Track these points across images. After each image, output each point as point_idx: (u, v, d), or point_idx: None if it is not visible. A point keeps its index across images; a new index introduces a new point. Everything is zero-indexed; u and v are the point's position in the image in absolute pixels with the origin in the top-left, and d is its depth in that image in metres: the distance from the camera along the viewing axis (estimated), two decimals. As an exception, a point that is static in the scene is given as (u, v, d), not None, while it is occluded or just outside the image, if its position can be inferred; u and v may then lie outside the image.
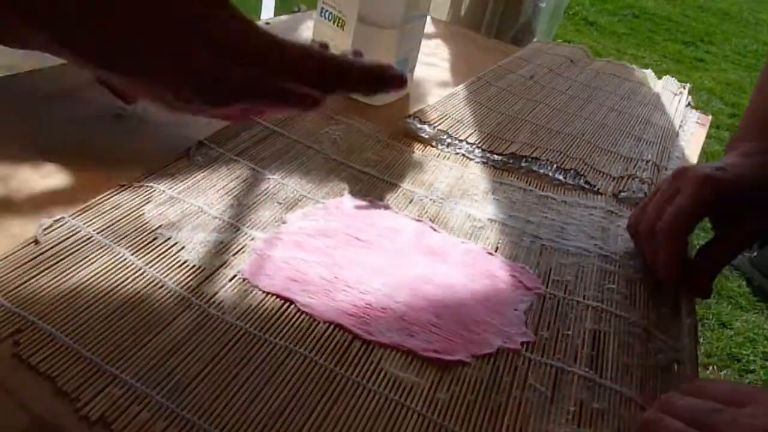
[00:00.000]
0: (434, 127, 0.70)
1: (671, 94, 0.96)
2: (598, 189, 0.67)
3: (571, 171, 0.68)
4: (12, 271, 0.41)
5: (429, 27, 1.05)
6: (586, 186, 0.67)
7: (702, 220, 0.51)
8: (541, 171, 0.68)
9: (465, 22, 1.30)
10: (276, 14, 2.28)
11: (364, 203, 0.57)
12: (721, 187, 0.50)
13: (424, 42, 0.79)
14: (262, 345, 0.41)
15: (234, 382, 0.38)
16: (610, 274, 0.54)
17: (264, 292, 0.45)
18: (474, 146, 0.69)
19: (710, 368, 1.71)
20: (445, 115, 0.74)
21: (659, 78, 1.02)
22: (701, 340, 1.78)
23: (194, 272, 0.45)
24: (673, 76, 1.03)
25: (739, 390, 0.37)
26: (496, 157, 0.68)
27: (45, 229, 0.45)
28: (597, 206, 0.63)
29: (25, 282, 0.41)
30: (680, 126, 0.86)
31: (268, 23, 0.91)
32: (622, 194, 0.66)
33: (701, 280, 0.51)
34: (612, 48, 4.15)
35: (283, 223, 0.52)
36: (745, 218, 0.51)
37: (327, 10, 0.85)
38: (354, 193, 0.58)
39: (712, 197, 0.50)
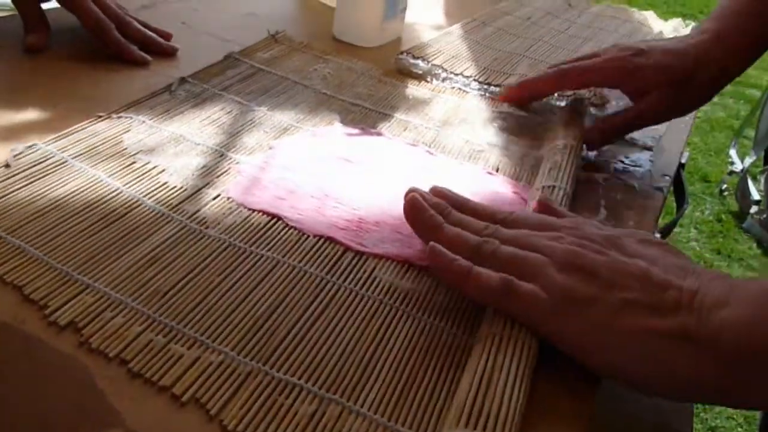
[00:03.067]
0: (429, 62, 0.68)
1: (675, 33, 0.93)
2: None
3: (573, 96, 0.65)
4: (-22, 192, 0.39)
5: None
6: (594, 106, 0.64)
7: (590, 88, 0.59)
8: (543, 100, 0.65)
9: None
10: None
11: (355, 130, 0.54)
12: (629, 69, 0.53)
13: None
14: (247, 257, 0.38)
15: (217, 289, 0.36)
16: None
17: (249, 209, 0.42)
18: (471, 79, 0.66)
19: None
20: (440, 52, 0.71)
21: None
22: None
23: (175, 192, 0.43)
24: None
25: (546, 220, 0.39)
26: (494, 88, 0.65)
27: (17, 155, 0.43)
28: (602, 128, 0.60)
29: (-8, 201, 0.38)
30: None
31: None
32: None
33: (598, 130, 0.56)
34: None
35: (270, 149, 0.49)
36: (655, 96, 0.54)
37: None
38: (345, 123, 0.55)
39: (620, 74, 0.54)
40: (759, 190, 2.07)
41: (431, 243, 0.36)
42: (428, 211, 0.39)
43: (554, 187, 0.46)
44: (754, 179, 2.13)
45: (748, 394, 0.31)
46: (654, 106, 0.54)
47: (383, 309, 0.36)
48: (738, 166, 2.18)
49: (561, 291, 0.33)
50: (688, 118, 0.67)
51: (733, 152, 2.34)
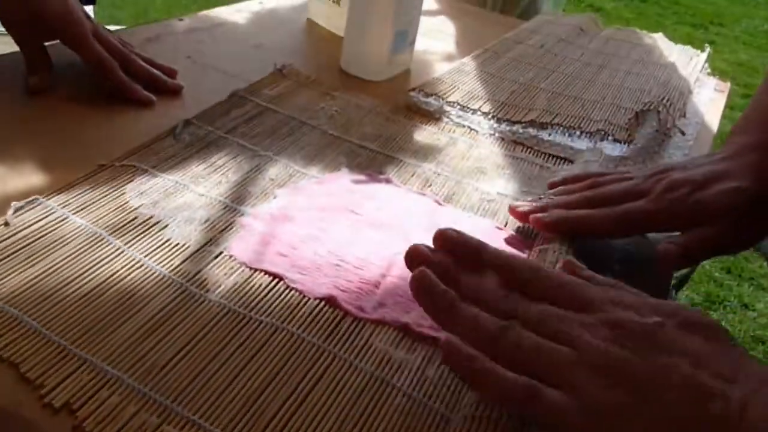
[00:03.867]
0: (441, 99, 0.67)
1: (687, 57, 0.91)
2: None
3: (597, 133, 0.64)
4: (-21, 255, 0.39)
5: (432, 3, 1.02)
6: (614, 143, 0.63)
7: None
8: (560, 141, 0.63)
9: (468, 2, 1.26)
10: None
11: (362, 177, 0.53)
12: (688, 209, 0.46)
13: (426, 19, 0.75)
14: (246, 323, 0.38)
15: (214, 361, 0.35)
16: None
17: (251, 268, 0.42)
18: (488, 116, 0.65)
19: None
20: (454, 87, 0.70)
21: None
22: (722, 322, 1.70)
23: (176, 250, 0.42)
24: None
25: (577, 293, 0.35)
26: (514, 127, 0.64)
27: (17, 211, 0.42)
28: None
29: (-8, 266, 0.38)
30: (696, 91, 0.81)
31: (261, 2, 0.88)
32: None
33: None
34: (621, 33, 4.06)
35: (274, 198, 0.49)
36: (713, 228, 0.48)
37: (323, -13, 0.82)
38: (352, 167, 0.54)
39: (677, 220, 0.47)
40: (772, 207, 2.05)
41: (445, 339, 0.33)
42: (438, 287, 0.35)
43: (547, 249, 0.45)
44: (768, 195, 2.10)
45: None
46: (727, 236, 0.47)
47: (374, 383, 0.35)
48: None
49: (592, 400, 0.30)
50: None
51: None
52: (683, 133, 0.67)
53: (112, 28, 0.65)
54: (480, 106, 0.67)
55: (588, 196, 0.48)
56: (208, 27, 0.76)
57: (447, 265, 0.37)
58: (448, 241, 0.38)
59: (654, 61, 0.88)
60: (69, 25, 0.56)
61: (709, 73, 0.90)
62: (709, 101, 0.81)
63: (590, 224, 0.46)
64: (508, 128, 0.64)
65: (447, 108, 0.66)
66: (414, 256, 0.38)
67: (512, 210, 0.50)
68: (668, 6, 4.65)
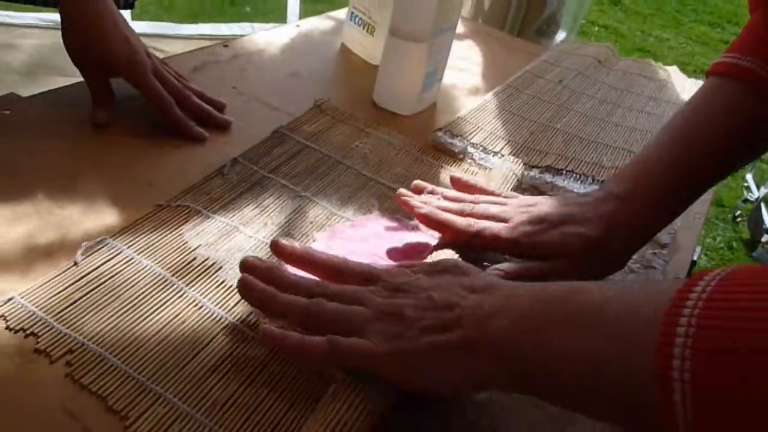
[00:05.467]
0: (466, 140, 0.72)
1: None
2: None
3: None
4: (59, 293, 0.45)
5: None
6: None
7: None
8: (574, 188, 0.68)
9: (489, 14, 1.30)
10: (301, 16, 2.32)
11: (392, 223, 0.59)
12: (533, 244, 0.52)
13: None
14: (290, 366, 0.44)
15: (264, 402, 0.41)
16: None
17: (295, 312, 0.48)
18: (509, 159, 0.71)
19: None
20: (477, 127, 0.75)
21: (686, 69, 1.02)
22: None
23: (231, 292, 0.48)
24: (698, 58, 1.02)
25: (371, 272, 0.45)
26: (532, 172, 0.69)
27: (87, 250, 0.48)
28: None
29: (72, 304, 0.44)
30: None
31: (298, 26, 0.93)
32: None
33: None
34: (636, 29, 4.06)
35: (314, 241, 0.55)
36: (561, 263, 0.52)
37: (357, 15, 0.87)
38: (383, 210, 0.60)
39: (523, 249, 0.52)
40: (773, 218, 2.10)
41: (262, 327, 0.42)
42: (257, 285, 0.44)
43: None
44: (769, 207, 2.15)
45: (533, 385, 0.37)
46: (558, 272, 0.51)
47: None
48: (754, 195, 2.20)
49: (384, 340, 0.39)
50: (702, 211, 0.71)
51: (749, 177, 2.36)
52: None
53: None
54: (501, 149, 0.72)
55: (463, 210, 0.55)
56: (249, 54, 0.81)
57: (270, 269, 0.45)
58: (282, 252, 0.47)
59: (666, 98, 0.93)
60: (132, 66, 0.61)
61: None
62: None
63: (450, 229, 0.53)
64: (526, 172, 0.70)
65: (470, 149, 0.71)
66: (243, 267, 0.46)
67: (398, 197, 0.56)
68: (688, 2, 4.65)
